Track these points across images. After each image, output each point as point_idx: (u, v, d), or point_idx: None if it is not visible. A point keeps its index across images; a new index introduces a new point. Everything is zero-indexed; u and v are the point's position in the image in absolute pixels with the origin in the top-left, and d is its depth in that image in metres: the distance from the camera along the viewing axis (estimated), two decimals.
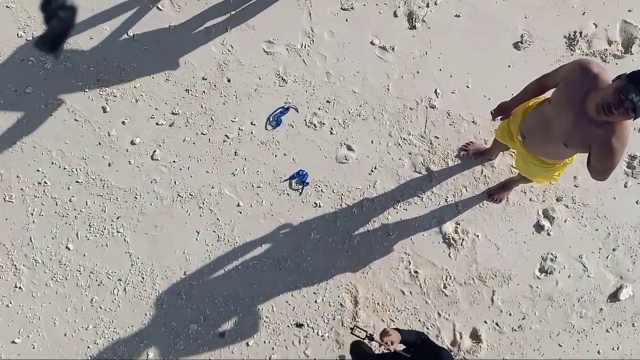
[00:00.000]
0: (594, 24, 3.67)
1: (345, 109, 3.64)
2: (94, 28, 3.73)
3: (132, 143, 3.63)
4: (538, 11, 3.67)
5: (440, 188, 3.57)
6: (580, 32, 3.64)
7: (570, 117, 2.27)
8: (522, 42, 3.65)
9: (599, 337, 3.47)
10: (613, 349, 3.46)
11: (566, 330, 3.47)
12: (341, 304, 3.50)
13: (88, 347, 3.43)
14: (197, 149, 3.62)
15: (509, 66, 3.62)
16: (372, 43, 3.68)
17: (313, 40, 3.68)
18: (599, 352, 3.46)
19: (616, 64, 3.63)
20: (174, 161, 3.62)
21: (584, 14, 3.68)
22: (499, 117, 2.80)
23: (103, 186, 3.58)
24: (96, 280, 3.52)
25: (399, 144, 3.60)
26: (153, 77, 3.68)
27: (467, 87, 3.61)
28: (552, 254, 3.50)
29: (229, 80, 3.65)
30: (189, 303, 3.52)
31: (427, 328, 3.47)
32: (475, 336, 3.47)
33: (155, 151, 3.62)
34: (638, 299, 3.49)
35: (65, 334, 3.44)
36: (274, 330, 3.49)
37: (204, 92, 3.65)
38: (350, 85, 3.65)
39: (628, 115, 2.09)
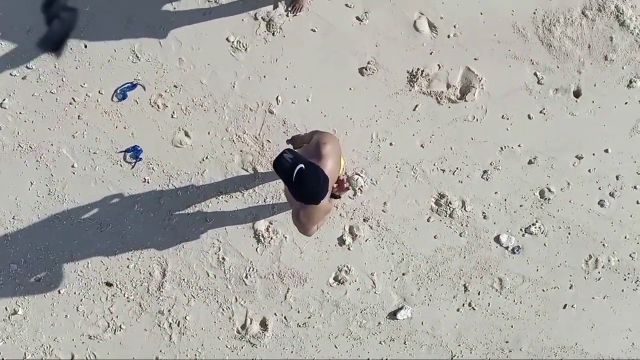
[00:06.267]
0: (439, 65, 3.86)
1: (190, 97, 3.84)
2: None
3: None
4: (389, 42, 3.84)
5: (262, 188, 3.85)
6: (423, 71, 3.84)
7: None
8: (367, 69, 3.84)
9: (372, 347, 3.87)
10: (382, 359, 3.88)
11: (344, 335, 3.86)
12: (150, 274, 3.84)
13: None
14: (44, 105, 3.82)
15: (350, 89, 3.83)
16: (227, 39, 3.84)
17: (172, 25, 3.83)
18: None
19: (449, 107, 3.86)
20: (21, 113, 3.82)
21: (431, 53, 3.86)
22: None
23: None
24: None
25: (233, 140, 3.84)
26: (15, 29, 3.81)
27: (307, 100, 3.82)
28: (347, 267, 3.85)
29: (85, 47, 3.81)
30: (13, 245, 3.82)
31: (223, 310, 3.84)
32: (263, 324, 3.85)
33: (4, 100, 3.81)
34: (414, 322, 3.87)
35: None
36: (85, 284, 3.83)
37: None
38: (199, 75, 3.84)
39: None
